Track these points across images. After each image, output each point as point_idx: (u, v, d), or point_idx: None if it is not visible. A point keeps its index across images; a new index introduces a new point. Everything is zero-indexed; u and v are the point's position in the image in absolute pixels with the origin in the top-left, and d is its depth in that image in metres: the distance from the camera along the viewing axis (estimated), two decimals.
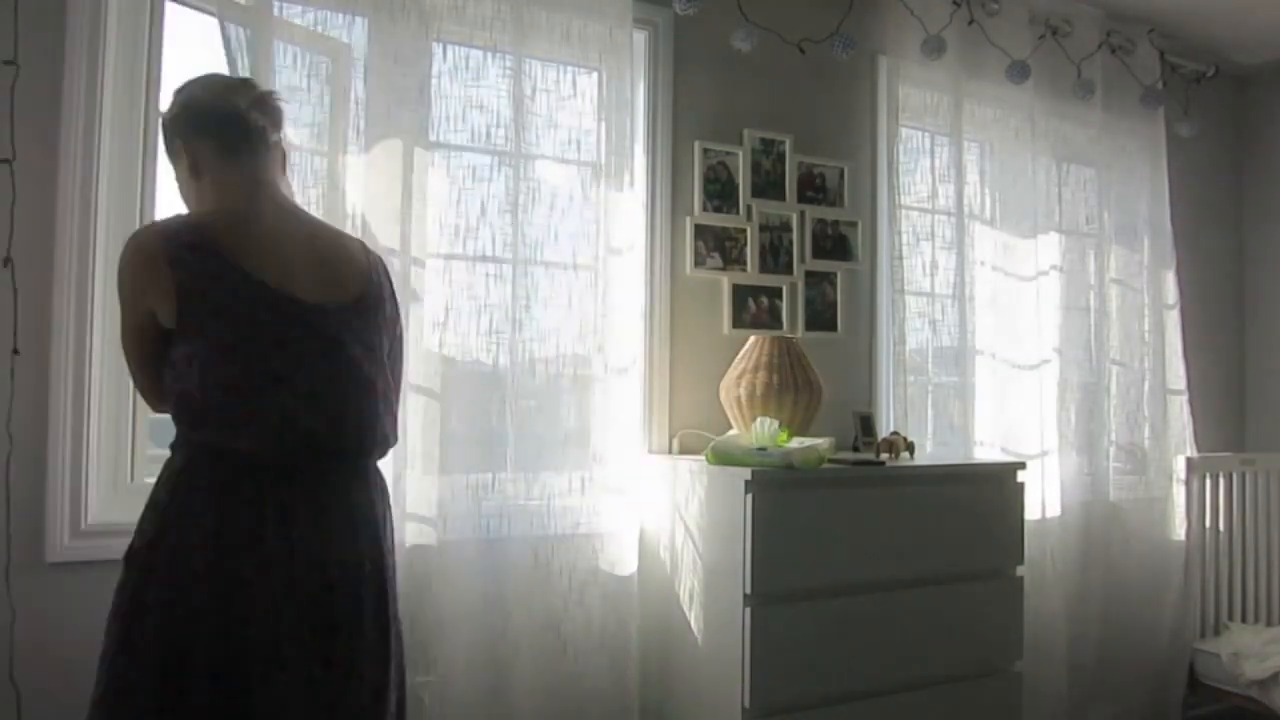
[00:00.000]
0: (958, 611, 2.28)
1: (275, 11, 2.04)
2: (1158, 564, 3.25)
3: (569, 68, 2.61)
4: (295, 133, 2.02)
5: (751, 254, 2.70)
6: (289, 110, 1.70)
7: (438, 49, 2.25)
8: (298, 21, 2.13)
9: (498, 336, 2.27)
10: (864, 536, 2.16)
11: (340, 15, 2.16)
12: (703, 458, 2.20)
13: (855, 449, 2.67)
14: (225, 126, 1.50)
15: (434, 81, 2.23)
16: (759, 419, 2.29)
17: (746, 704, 2.01)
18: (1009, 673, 2.38)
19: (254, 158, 1.52)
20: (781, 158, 2.77)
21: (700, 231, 2.64)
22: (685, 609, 2.25)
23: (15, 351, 1.83)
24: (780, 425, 2.26)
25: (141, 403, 2.02)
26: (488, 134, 2.31)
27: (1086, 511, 3.11)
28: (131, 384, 1.94)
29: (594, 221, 2.63)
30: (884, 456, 2.38)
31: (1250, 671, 2.92)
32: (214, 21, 2.12)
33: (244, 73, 1.94)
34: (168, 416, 1.47)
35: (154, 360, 1.44)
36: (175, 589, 1.35)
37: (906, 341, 2.81)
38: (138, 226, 2.00)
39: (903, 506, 2.23)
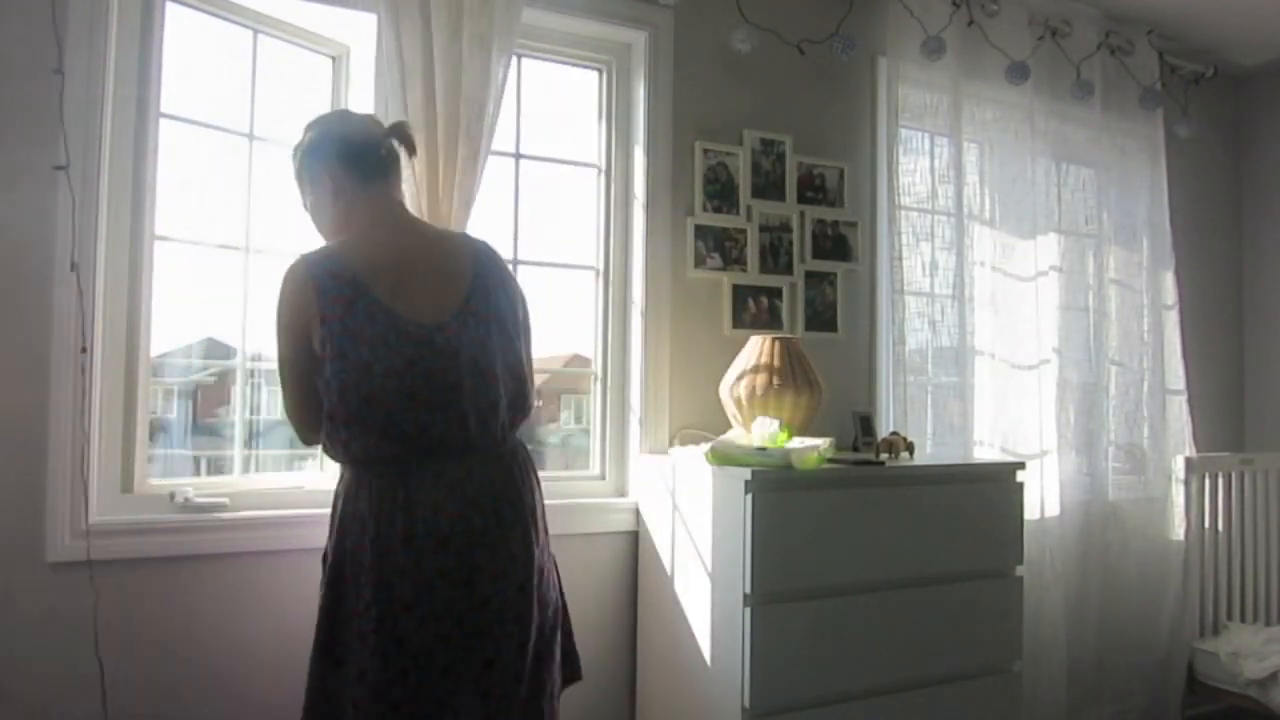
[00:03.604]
0: (957, 611, 2.28)
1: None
2: (1157, 564, 3.26)
3: (569, 68, 2.63)
4: None
5: (751, 254, 2.71)
6: None
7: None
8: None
9: None
10: (864, 536, 2.16)
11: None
12: (703, 458, 2.20)
13: (855, 449, 2.67)
14: (365, 155, 1.70)
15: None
16: (759, 419, 2.29)
17: (746, 704, 2.01)
18: (1008, 672, 2.38)
19: (385, 182, 1.72)
20: (781, 158, 2.78)
21: (700, 232, 2.64)
22: (685, 609, 2.25)
23: (84, 350, 1.87)
24: (780, 425, 2.26)
25: (144, 403, 2.03)
26: (483, 131, 2.32)
27: (1086, 511, 3.11)
28: (124, 384, 2.00)
29: (594, 222, 2.64)
30: (884, 456, 2.38)
31: (1249, 671, 2.93)
32: (213, 21, 2.13)
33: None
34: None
35: (311, 390, 1.62)
36: (355, 585, 1.58)
37: (906, 341, 2.81)
38: (138, 225, 2.02)
39: (902, 506, 2.23)
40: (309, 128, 1.76)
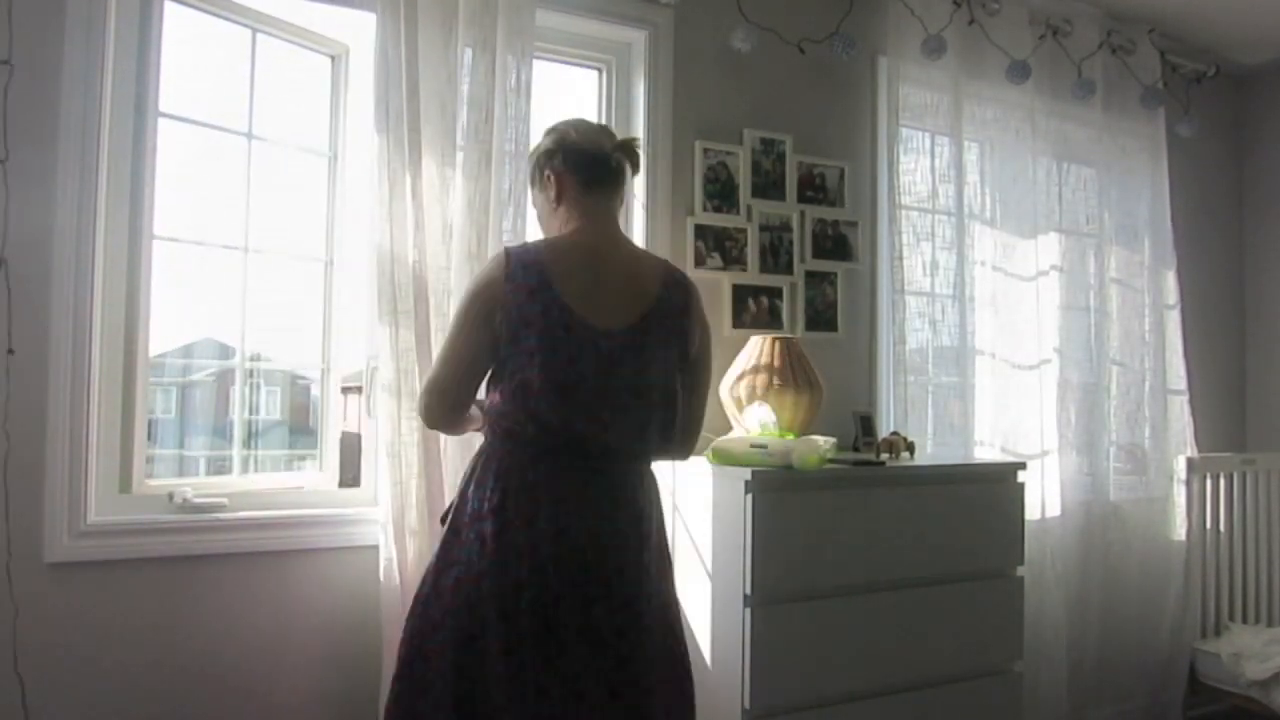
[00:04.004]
0: (958, 611, 2.28)
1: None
2: (1158, 564, 3.25)
3: (569, 67, 2.62)
4: None
5: (752, 254, 2.70)
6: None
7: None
8: None
9: None
10: (864, 537, 2.16)
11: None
12: (703, 458, 2.20)
13: (855, 449, 2.67)
14: (593, 164, 1.75)
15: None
16: (752, 405, 2.29)
17: (747, 704, 2.01)
18: (1009, 673, 2.37)
19: (604, 193, 1.77)
20: (781, 158, 2.77)
21: (700, 231, 2.63)
22: (685, 609, 2.25)
23: (10, 351, 1.83)
24: (771, 409, 2.26)
25: (143, 403, 2.02)
26: (493, 133, 2.31)
27: (1087, 511, 3.11)
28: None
29: None
30: (884, 456, 2.37)
31: (1251, 672, 2.92)
32: (212, 20, 2.12)
33: None
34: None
35: (478, 372, 1.68)
36: (468, 548, 1.61)
37: (906, 341, 2.81)
38: (136, 225, 2.01)
39: (903, 507, 2.23)
40: (548, 133, 1.82)
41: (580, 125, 1.81)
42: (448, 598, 1.61)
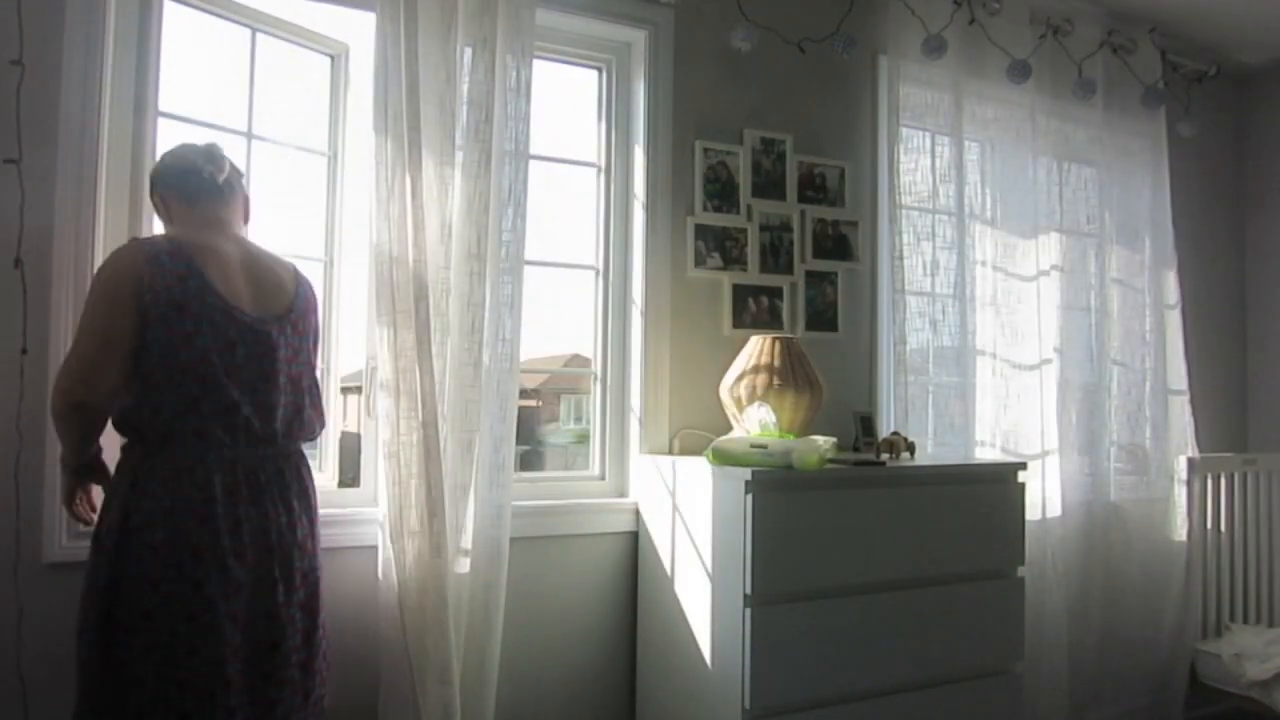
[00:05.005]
0: (958, 612, 2.28)
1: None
2: (1159, 564, 3.25)
3: (569, 66, 2.63)
4: None
5: (752, 254, 2.70)
6: None
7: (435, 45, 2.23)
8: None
9: (500, 336, 2.27)
10: (864, 537, 2.16)
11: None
12: (703, 458, 2.20)
13: (856, 449, 2.66)
14: (185, 177, 1.79)
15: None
16: (752, 405, 2.29)
17: (747, 704, 2.01)
18: (1010, 673, 2.37)
19: (209, 203, 1.80)
20: (782, 157, 2.77)
21: (700, 231, 2.63)
22: (685, 609, 2.25)
23: (24, 351, 1.84)
24: (771, 409, 2.26)
25: None
26: (493, 132, 2.31)
27: (1087, 512, 3.10)
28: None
29: (594, 221, 2.64)
30: (884, 457, 2.37)
31: (1252, 672, 2.92)
32: (211, 19, 2.12)
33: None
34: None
35: (120, 355, 1.61)
36: (139, 562, 1.58)
37: (907, 341, 2.80)
38: (135, 225, 2.02)
39: (903, 507, 2.22)
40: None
41: (176, 150, 1.84)
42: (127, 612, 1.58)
